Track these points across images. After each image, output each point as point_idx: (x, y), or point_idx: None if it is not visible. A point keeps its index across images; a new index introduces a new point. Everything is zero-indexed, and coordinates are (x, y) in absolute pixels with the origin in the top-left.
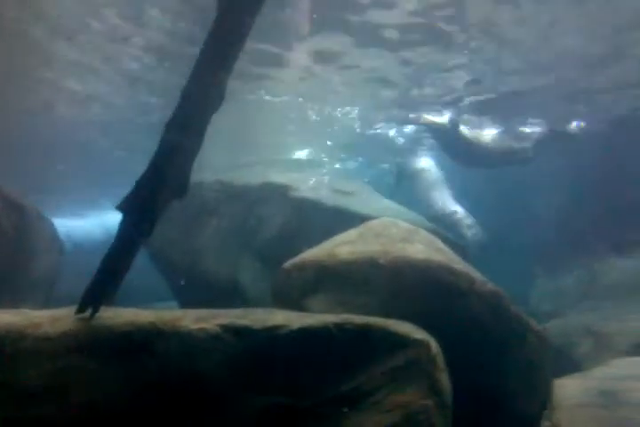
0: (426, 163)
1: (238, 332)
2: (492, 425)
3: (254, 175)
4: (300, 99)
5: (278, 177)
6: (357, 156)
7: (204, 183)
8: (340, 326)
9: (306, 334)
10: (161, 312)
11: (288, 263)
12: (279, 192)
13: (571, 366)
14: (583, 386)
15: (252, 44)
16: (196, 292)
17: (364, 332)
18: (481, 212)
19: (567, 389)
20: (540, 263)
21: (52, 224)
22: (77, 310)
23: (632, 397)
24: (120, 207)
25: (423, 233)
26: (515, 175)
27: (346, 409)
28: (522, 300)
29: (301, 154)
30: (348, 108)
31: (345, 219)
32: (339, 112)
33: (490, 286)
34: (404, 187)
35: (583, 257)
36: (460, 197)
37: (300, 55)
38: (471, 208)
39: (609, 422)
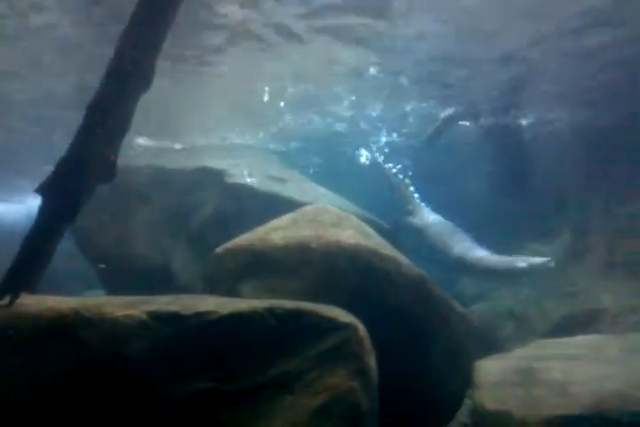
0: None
1: (166, 318)
2: (417, 404)
3: (188, 160)
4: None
5: (213, 162)
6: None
7: (135, 167)
8: (270, 311)
9: (237, 319)
10: (86, 299)
11: (220, 248)
12: (214, 178)
13: (494, 347)
14: (503, 366)
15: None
16: (126, 279)
17: (295, 316)
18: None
19: (488, 368)
20: None
21: None
22: None
23: (546, 375)
24: (39, 190)
25: (354, 219)
26: (446, 159)
27: (275, 393)
28: (450, 284)
29: (238, 138)
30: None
31: (279, 205)
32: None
33: (415, 269)
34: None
35: (509, 242)
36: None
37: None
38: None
39: (524, 399)
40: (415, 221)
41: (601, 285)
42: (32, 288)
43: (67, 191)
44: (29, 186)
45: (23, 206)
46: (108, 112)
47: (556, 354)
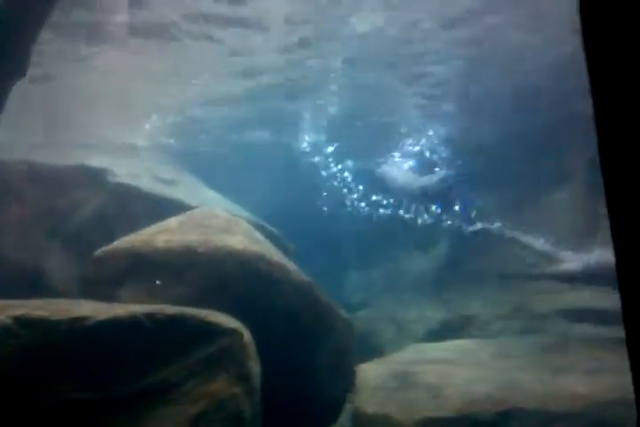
0: None
1: (35, 323)
2: (301, 408)
3: (67, 157)
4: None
5: (94, 160)
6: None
7: (6, 162)
8: (150, 317)
9: (114, 325)
10: None
11: (100, 251)
12: (95, 176)
13: (375, 351)
14: (382, 370)
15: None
16: None
17: (176, 322)
18: (300, 209)
19: (369, 373)
20: (352, 257)
21: None
22: None
23: (422, 379)
24: None
25: (244, 224)
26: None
27: (152, 401)
28: (337, 292)
29: (126, 136)
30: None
31: (166, 208)
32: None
33: (303, 276)
34: None
35: (391, 251)
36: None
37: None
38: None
39: (401, 403)
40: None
41: (473, 292)
42: None
43: None
44: None
45: None
46: None
47: (432, 358)
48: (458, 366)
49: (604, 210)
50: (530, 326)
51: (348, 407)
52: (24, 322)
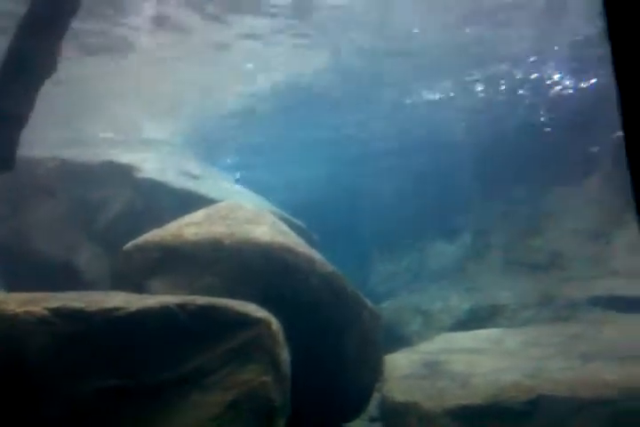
0: None
1: (70, 315)
2: (329, 397)
3: (95, 153)
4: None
5: (121, 156)
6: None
7: (36, 159)
8: (182, 307)
9: (146, 315)
10: None
11: (130, 244)
12: (122, 172)
13: (402, 342)
14: (410, 359)
15: None
16: (28, 275)
17: (207, 312)
18: (330, 201)
19: (397, 362)
20: (377, 248)
21: None
22: None
23: (448, 368)
24: None
25: (269, 216)
26: (357, 171)
27: (185, 389)
28: (362, 281)
29: (151, 132)
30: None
31: (192, 201)
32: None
33: (329, 266)
34: None
35: (415, 242)
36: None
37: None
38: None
39: (429, 390)
40: None
41: (500, 282)
42: None
43: None
44: None
45: None
46: (4, 99)
47: (460, 347)
48: (486, 355)
49: None
50: (560, 315)
51: (376, 397)
52: (61, 313)
